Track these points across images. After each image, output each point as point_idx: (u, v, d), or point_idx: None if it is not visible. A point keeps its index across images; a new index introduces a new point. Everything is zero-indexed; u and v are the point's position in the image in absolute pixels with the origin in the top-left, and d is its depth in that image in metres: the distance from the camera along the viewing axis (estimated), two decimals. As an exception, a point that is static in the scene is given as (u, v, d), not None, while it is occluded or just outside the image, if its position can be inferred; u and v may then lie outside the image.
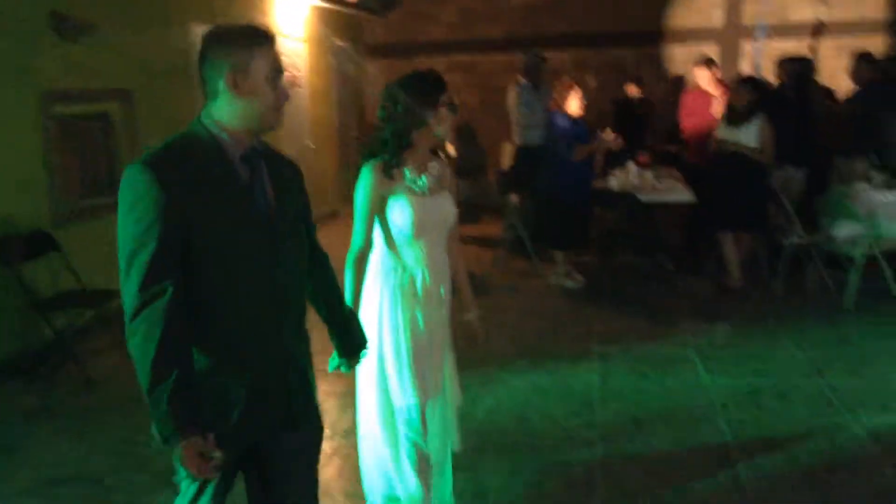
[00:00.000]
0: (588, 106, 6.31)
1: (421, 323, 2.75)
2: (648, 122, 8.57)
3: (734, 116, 6.18)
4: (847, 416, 3.96)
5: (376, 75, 10.32)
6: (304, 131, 9.51)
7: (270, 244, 1.97)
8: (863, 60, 6.86)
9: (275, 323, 2.00)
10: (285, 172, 2.08)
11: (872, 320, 5.43)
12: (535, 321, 5.77)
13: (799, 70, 6.88)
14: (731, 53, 9.65)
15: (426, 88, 2.67)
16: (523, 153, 7.65)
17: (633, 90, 8.53)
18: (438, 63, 9.33)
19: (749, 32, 9.42)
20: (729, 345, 5.11)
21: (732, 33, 9.67)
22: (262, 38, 1.92)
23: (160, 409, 1.77)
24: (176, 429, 1.77)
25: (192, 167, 1.87)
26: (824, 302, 5.88)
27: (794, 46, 8.74)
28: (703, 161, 6.76)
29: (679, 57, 9.76)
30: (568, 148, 6.18)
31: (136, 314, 1.80)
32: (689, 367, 4.71)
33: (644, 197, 6.63)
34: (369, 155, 2.70)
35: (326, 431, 3.89)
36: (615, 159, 7.14)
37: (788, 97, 6.77)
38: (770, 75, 7.39)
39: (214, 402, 1.92)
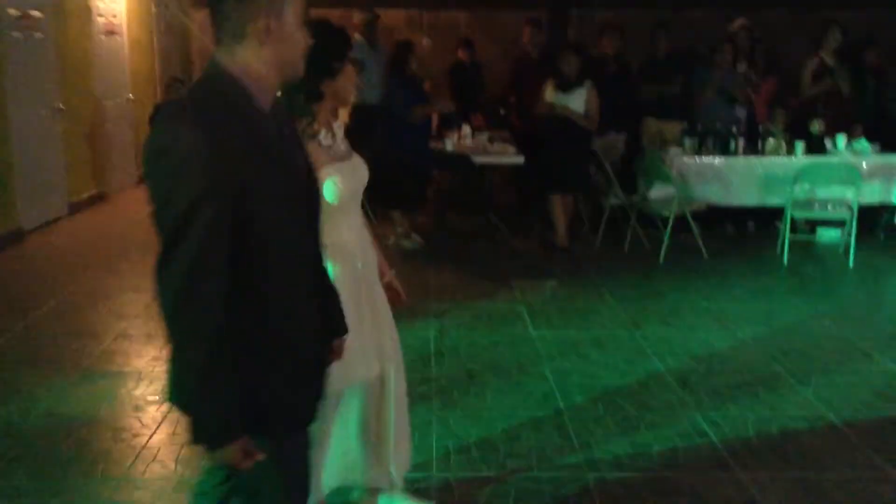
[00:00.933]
0: (423, 68, 6.36)
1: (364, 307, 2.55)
2: (481, 86, 8.75)
3: (563, 82, 6.44)
4: (657, 362, 4.31)
5: (204, 24, 9.83)
6: (123, 83, 8.95)
7: (308, 212, 1.81)
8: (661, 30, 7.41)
9: (313, 302, 1.85)
10: (293, 128, 1.90)
11: (681, 275, 5.92)
12: (371, 281, 5.82)
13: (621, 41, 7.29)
14: (561, 20, 10.00)
15: (336, 39, 2.46)
16: (360, 112, 7.60)
17: (462, 54, 8.65)
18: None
19: (578, 1, 9.78)
20: (555, 300, 5.42)
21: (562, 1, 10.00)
22: None
23: (209, 410, 1.62)
24: (227, 429, 1.63)
25: (236, 123, 1.62)
26: (640, 259, 6.34)
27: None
28: (532, 125, 7.03)
29: (511, 22, 10.00)
30: (405, 108, 6.22)
31: (182, 308, 1.57)
32: (518, 322, 4.93)
33: (477, 158, 6.80)
34: None
35: (156, 397, 3.83)
36: (450, 121, 7.26)
37: (609, 65, 7.15)
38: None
39: (266, 395, 1.73)
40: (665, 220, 6.24)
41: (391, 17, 8.91)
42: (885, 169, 6.43)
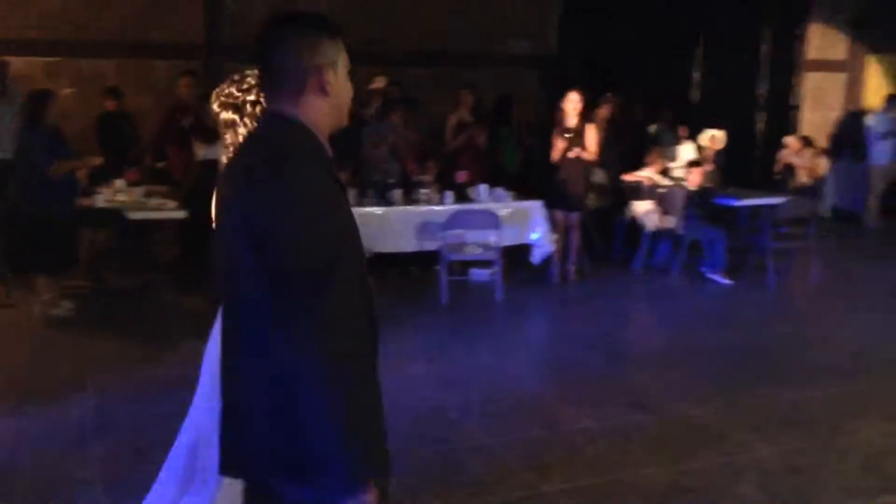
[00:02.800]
0: (66, 119, 5.86)
1: None
2: (133, 137, 8.27)
3: (207, 134, 6.30)
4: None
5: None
6: None
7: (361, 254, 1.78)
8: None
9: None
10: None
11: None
12: (17, 357, 5.17)
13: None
14: (216, 70, 9.86)
15: None
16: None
17: (110, 104, 8.13)
18: None
19: (228, 52, 9.71)
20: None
21: (216, 51, 9.88)
22: (339, 29, 1.76)
23: (360, 451, 1.56)
24: (369, 475, 1.59)
25: (324, 171, 1.70)
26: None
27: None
28: (188, 178, 6.83)
29: (164, 71, 9.63)
30: (45, 163, 5.67)
31: (343, 344, 1.57)
32: (188, 388, 4.68)
33: (133, 214, 6.41)
34: None
35: None
36: (101, 176, 6.77)
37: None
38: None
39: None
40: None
41: (28, 64, 8.10)
42: (520, 214, 7.28)
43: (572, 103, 7.21)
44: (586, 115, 7.39)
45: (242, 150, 1.90)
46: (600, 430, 4.18)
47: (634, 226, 8.30)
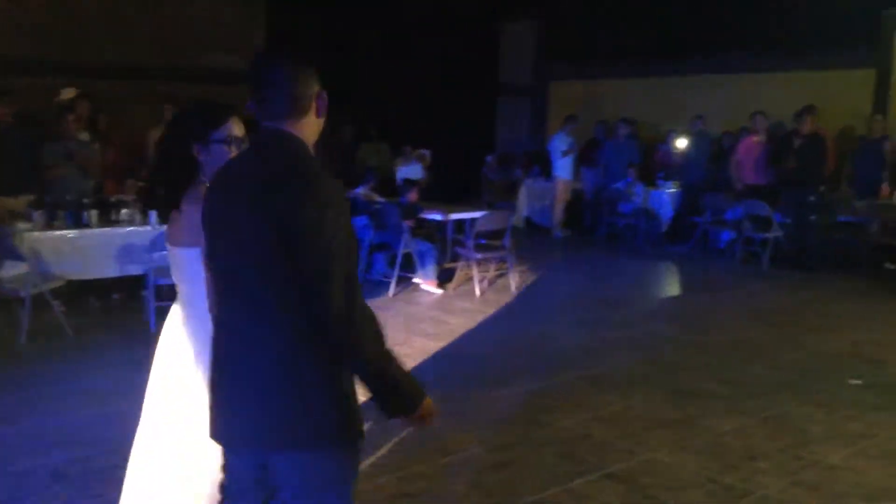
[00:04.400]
0: None
1: None
2: None
3: None
4: (40, 458, 3.91)
5: None
6: None
7: None
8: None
9: None
10: None
11: (47, 358, 5.50)
12: None
13: None
14: None
15: None
16: None
17: None
18: None
19: None
20: None
21: None
22: None
23: (403, 382, 2.06)
24: (419, 391, 2.09)
25: None
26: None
27: None
28: None
29: None
30: None
31: (357, 315, 1.90)
32: None
33: None
34: None
35: None
36: None
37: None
38: None
39: None
40: (22, 301, 5.73)
41: None
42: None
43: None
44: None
45: (246, 161, 2.07)
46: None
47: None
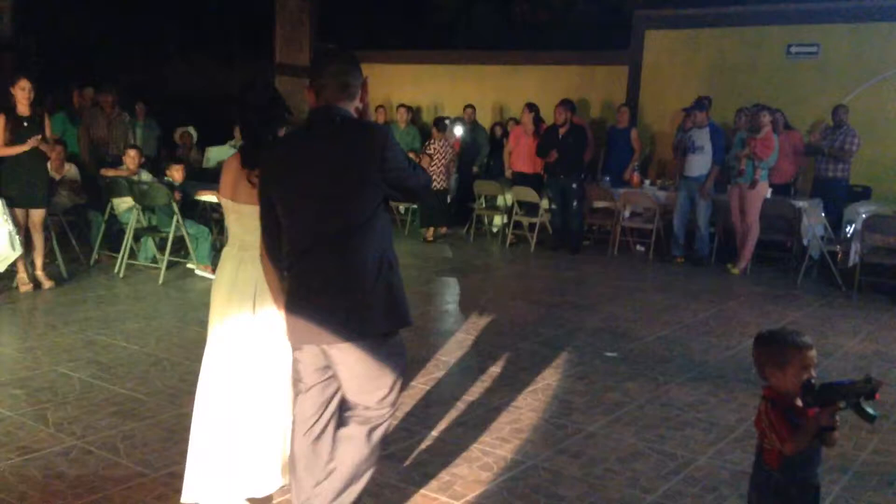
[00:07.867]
0: None
1: None
2: None
3: None
4: None
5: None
6: None
7: None
8: None
9: None
10: None
11: None
12: None
13: None
14: None
15: None
16: None
17: None
18: None
19: None
20: None
21: None
22: None
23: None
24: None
25: None
26: None
27: None
28: None
29: None
30: None
31: (423, 188, 2.99)
32: None
33: None
34: None
35: None
36: None
37: None
38: None
39: None
40: None
41: None
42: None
43: (23, 91, 6.58)
44: (40, 103, 6.94)
45: (321, 121, 2.83)
46: (89, 447, 3.86)
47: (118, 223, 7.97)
